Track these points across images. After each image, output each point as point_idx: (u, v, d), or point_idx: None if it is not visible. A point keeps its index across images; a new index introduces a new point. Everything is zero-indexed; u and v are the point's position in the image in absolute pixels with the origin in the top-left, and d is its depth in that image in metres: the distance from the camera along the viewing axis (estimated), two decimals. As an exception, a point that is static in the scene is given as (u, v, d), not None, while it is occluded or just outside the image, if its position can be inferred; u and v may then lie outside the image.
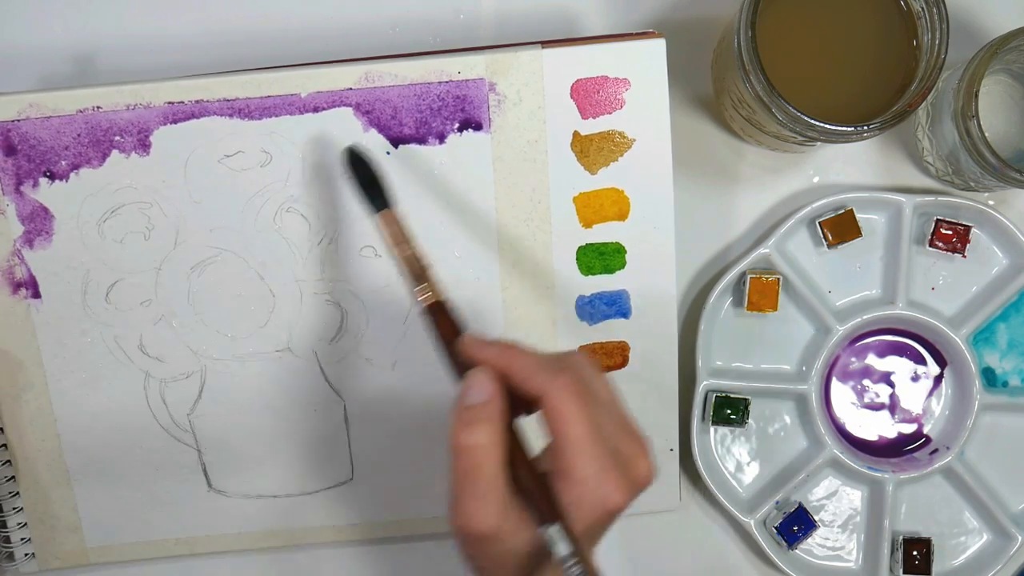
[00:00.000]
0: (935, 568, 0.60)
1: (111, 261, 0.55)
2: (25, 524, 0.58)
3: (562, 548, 0.40)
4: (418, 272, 0.46)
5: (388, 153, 0.54)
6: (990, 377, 0.61)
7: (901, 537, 0.60)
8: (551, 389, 0.41)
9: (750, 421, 0.60)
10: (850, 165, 0.60)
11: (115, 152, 0.53)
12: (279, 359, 0.56)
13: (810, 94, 0.51)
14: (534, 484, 0.42)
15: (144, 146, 0.53)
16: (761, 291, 0.58)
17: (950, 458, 0.59)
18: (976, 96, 0.52)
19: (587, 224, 0.55)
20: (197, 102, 0.53)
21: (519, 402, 0.43)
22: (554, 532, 0.41)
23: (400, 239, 0.47)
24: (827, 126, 0.49)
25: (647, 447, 0.43)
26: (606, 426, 0.42)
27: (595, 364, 0.45)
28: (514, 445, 0.42)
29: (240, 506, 0.58)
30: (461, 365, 0.44)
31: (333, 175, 0.54)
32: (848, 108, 0.52)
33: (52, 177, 0.53)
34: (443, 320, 0.45)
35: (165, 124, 0.53)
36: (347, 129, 0.53)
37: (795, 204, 0.60)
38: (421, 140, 0.54)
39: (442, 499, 0.58)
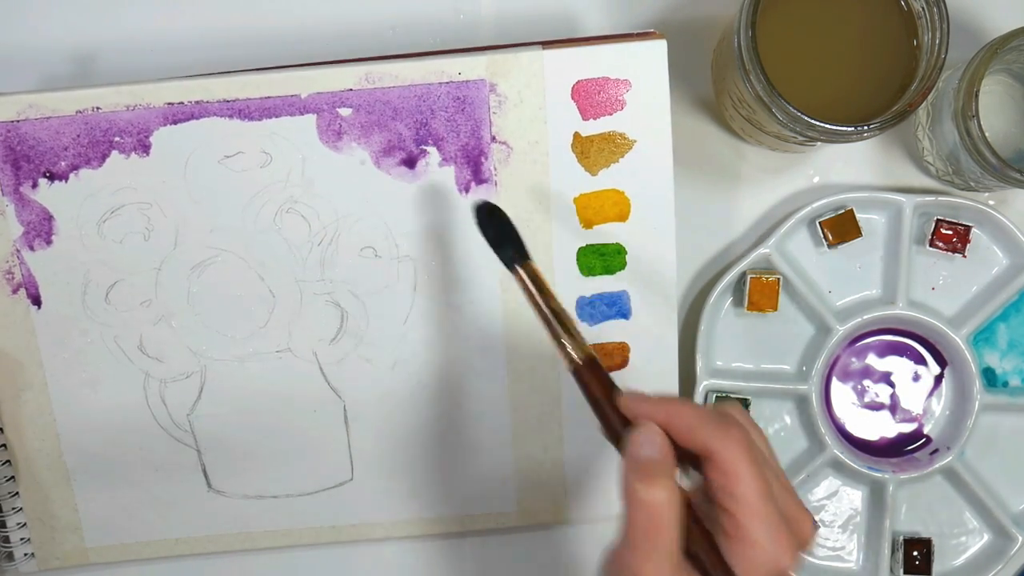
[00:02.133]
0: (935, 568, 0.60)
1: (111, 262, 0.54)
2: (25, 524, 0.58)
3: None
4: (567, 326, 0.44)
5: (388, 153, 0.54)
6: (990, 377, 0.61)
7: (901, 537, 0.60)
8: (722, 446, 0.39)
9: (750, 421, 0.60)
10: (850, 165, 0.60)
11: (115, 153, 0.53)
12: (279, 359, 0.56)
13: (810, 94, 0.51)
14: (706, 548, 0.40)
15: (144, 147, 0.53)
16: (761, 291, 0.58)
17: (950, 458, 0.59)
18: (976, 96, 0.52)
19: (587, 225, 0.55)
20: (197, 103, 0.53)
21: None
22: None
23: (545, 291, 0.45)
24: (827, 126, 0.49)
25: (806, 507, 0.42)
26: (774, 486, 0.40)
27: (753, 421, 0.43)
28: (682, 505, 0.40)
29: (240, 506, 0.58)
30: (618, 420, 0.42)
31: (334, 176, 0.54)
32: (848, 108, 0.52)
33: (52, 178, 0.53)
34: (597, 376, 0.43)
35: (165, 125, 0.53)
36: (347, 129, 0.53)
37: (795, 204, 0.60)
38: (421, 141, 0.54)
39: (441, 499, 0.59)
